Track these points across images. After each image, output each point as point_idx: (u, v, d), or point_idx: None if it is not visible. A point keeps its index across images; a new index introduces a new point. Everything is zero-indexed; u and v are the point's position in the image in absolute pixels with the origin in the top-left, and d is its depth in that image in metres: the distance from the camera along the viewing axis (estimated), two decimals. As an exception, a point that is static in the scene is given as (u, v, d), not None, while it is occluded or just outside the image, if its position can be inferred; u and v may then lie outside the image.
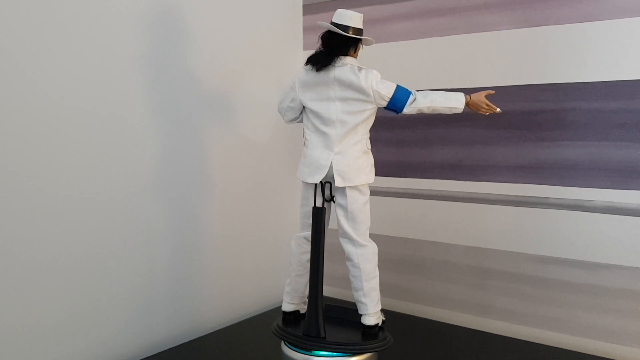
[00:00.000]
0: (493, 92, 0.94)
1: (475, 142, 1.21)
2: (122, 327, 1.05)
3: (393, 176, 1.33)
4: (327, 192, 0.93)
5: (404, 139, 1.31)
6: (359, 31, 0.90)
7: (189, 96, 1.16)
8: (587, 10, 1.07)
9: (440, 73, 1.25)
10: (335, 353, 0.88)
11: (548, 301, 1.14)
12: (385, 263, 1.35)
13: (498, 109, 0.92)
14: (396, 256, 1.35)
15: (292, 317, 0.99)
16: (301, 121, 0.97)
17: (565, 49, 1.09)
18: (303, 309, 1.00)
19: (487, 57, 1.18)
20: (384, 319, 0.95)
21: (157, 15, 1.08)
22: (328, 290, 1.41)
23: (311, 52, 0.93)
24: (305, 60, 0.92)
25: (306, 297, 1.01)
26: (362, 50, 0.94)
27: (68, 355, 0.97)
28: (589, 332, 1.10)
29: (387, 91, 0.88)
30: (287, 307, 1.00)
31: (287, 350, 0.91)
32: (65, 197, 0.95)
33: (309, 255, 0.95)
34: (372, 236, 0.94)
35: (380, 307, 0.94)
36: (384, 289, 1.34)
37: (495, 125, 1.18)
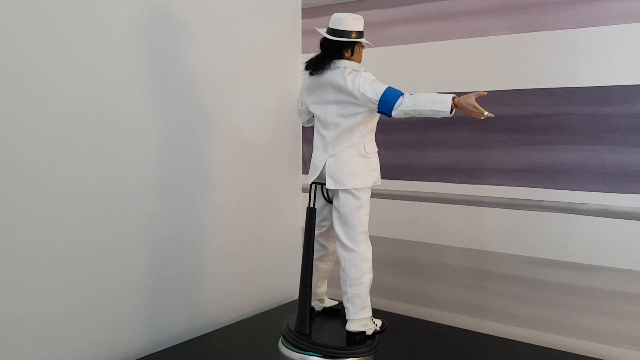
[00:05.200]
0: (485, 93, 0.87)
1: (471, 145, 1.22)
2: (122, 326, 1.06)
3: (390, 178, 1.34)
4: (324, 194, 0.95)
5: (400, 142, 1.32)
6: (349, 33, 0.89)
7: (189, 99, 1.17)
8: (582, 17, 1.08)
9: (438, 77, 1.26)
10: (306, 352, 0.89)
11: (542, 303, 1.15)
12: (382, 265, 1.36)
13: (486, 112, 0.83)
14: (393, 258, 1.36)
15: None
16: None
17: (560, 54, 1.11)
18: (318, 306, 1.04)
19: (484, 61, 1.20)
20: (377, 328, 0.94)
21: (156, 19, 1.10)
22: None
23: (310, 55, 0.94)
24: (303, 64, 0.94)
25: (319, 294, 1.04)
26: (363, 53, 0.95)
27: (68, 353, 0.98)
28: (583, 334, 1.11)
29: (374, 94, 0.85)
30: None
31: (280, 345, 0.94)
32: (68, 196, 0.96)
33: (317, 254, 0.99)
34: (370, 238, 0.94)
35: (366, 315, 0.92)
36: (381, 290, 1.36)
37: (490, 129, 1.19)
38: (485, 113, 0.83)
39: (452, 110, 0.84)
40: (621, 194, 1.06)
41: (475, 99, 0.84)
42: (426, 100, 0.84)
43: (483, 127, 1.20)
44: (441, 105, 0.83)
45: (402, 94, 0.86)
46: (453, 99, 0.84)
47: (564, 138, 1.11)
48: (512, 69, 1.16)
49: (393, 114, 0.86)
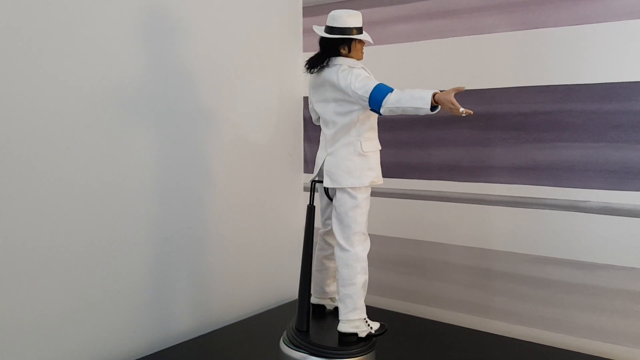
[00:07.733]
0: (463, 88, 0.82)
1: (473, 143, 1.22)
2: (123, 325, 1.07)
3: (392, 177, 1.34)
4: (327, 192, 0.95)
5: (402, 140, 1.32)
6: (344, 30, 0.88)
7: (190, 98, 1.17)
8: (584, 13, 1.08)
9: (439, 75, 1.26)
10: (298, 349, 0.89)
11: (545, 301, 1.15)
12: (384, 263, 1.36)
13: (462, 109, 0.78)
14: (395, 256, 1.36)
15: (315, 309, 1.01)
16: None
17: (562, 51, 1.10)
18: (329, 304, 1.04)
19: (485, 59, 1.19)
20: (372, 331, 0.91)
21: (157, 18, 1.09)
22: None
23: (311, 54, 0.94)
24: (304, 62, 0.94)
25: (329, 293, 1.04)
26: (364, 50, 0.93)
27: (68, 353, 0.98)
28: (586, 332, 1.11)
29: (363, 91, 0.83)
30: (312, 299, 1.01)
31: (280, 342, 0.95)
32: (68, 195, 0.96)
33: (324, 252, 1.00)
34: (371, 237, 0.93)
35: (357, 317, 0.90)
36: (384, 289, 1.36)
37: (492, 127, 1.19)
38: (461, 109, 0.79)
39: (433, 107, 0.80)
40: (624, 191, 1.05)
41: (455, 95, 0.80)
42: (408, 97, 0.81)
43: (485, 125, 1.20)
44: (421, 102, 0.80)
45: (390, 90, 0.83)
46: (434, 95, 0.80)
47: (566, 135, 1.10)
48: (513, 66, 1.16)
49: (381, 111, 0.83)
